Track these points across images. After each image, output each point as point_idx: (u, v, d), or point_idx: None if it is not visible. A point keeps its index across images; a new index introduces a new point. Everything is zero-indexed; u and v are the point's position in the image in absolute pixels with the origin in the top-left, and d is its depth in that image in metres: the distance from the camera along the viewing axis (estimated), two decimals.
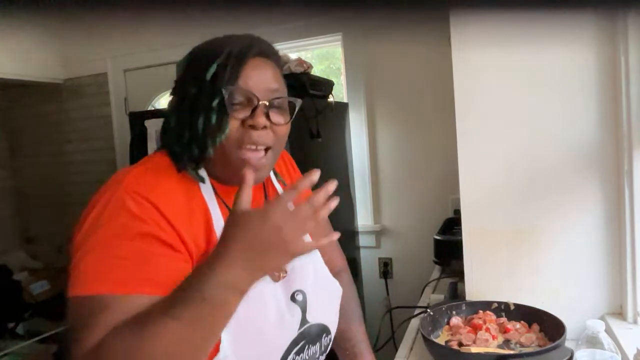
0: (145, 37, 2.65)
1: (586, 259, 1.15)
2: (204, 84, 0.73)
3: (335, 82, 2.17)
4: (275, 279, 0.80)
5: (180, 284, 0.61)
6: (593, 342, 0.87)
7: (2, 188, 3.19)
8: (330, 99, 2.09)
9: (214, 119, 0.72)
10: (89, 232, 0.66)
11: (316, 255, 0.91)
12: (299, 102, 0.80)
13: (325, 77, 2.13)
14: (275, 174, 0.94)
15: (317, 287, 0.86)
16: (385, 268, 2.38)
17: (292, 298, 0.81)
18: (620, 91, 1.06)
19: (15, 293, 2.66)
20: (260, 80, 0.74)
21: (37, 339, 2.53)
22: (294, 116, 0.79)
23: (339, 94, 2.43)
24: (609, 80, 1.09)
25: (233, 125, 0.73)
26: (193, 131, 0.74)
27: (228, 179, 0.79)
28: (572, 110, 1.13)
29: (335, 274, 1.02)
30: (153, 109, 2.72)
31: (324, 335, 0.87)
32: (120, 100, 2.84)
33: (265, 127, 0.74)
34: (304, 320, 0.81)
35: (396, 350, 1.18)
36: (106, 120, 2.89)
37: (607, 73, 1.09)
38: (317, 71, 2.32)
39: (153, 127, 2.02)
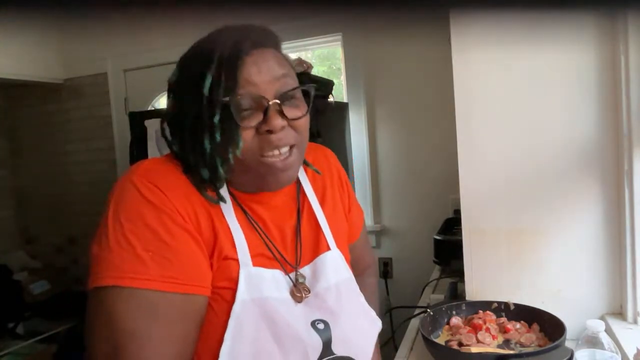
0: (145, 37, 2.65)
1: (586, 259, 1.15)
2: (202, 100, 0.65)
3: (335, 82, 2.17)
4: (298, 300, 0.74)
5: None
6: (593, 342, 0.87)
7: (2, 188, 3.19)
8: (330, 99, 2.09)
9: (218, 136, 0.65)
10: (111, 223, 0.62)
11: (348, 282, 0.82)
12: (312, 89, 0.73)
13: (326, 77, 2.13)
14: (307, 163, 0.86)
15: (349, 318, 0.78)
16: (385, 268, 2.38)
17: (312, 325, 0.73)
18: (620, 91, 1.06)
19: (15, 293, 2.66)
20: (263, 74, 0.67)
21: (37, 339, 2.53)
22: (311, 105, 0.72)
23: (339, 94, 2.43)
24: (609, 80, 1.09)
25: (247, 135, 0.66)
26: (199, 154, 0.67)
27: (249, 186, 0.73)
28: (572, 110, 1.13)
29: (363, 269, 1.03)
30: (153, 109, 2.72)
31: None
32: (120, 100, 2.85)
33: (283, 128, 0.67)
34: (327, 351, 0.73)
35: (396, 350, 1.18)
36: (106, 120, 2.90)
37: (607, 73, 1.09)
38: (318, 72, 2.33)
39: (153, 127, 2.03)
